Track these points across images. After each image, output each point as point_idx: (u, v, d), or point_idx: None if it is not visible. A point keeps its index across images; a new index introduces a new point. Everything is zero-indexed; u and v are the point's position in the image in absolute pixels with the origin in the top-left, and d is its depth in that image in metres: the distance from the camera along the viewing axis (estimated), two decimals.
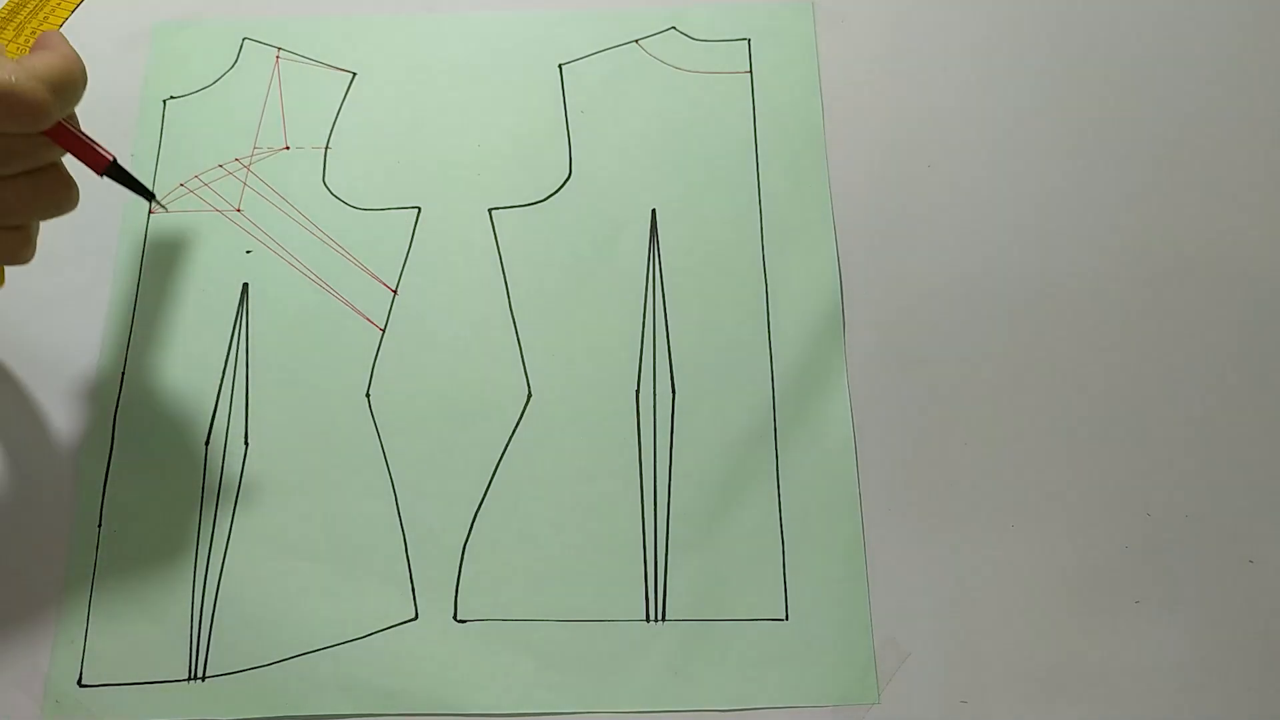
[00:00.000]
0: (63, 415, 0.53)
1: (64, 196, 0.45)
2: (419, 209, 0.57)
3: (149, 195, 0.49)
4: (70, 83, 0.42)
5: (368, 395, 0.52)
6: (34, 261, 0.55)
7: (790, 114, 0.59)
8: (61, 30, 0.52)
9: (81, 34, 0.51)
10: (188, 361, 0.53)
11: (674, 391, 0.53)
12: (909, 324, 0.54)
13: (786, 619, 0.49)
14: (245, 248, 0.56)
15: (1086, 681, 0.48)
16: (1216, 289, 0.55)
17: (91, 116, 0.59)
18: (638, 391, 0.53)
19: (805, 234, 0.56)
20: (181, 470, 0.51)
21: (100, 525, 0.50)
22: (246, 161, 0.58)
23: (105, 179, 0.46)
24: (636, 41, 0.61)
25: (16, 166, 0.43)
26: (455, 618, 0.49)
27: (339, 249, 0.56)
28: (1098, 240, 0.56)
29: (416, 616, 0.49)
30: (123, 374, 0.53)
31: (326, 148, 0.58)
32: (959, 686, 0.48)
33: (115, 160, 0.47)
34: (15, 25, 0.54)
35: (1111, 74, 0.60)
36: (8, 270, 0.56)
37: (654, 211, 0.56)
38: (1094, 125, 0.58)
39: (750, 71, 0.60)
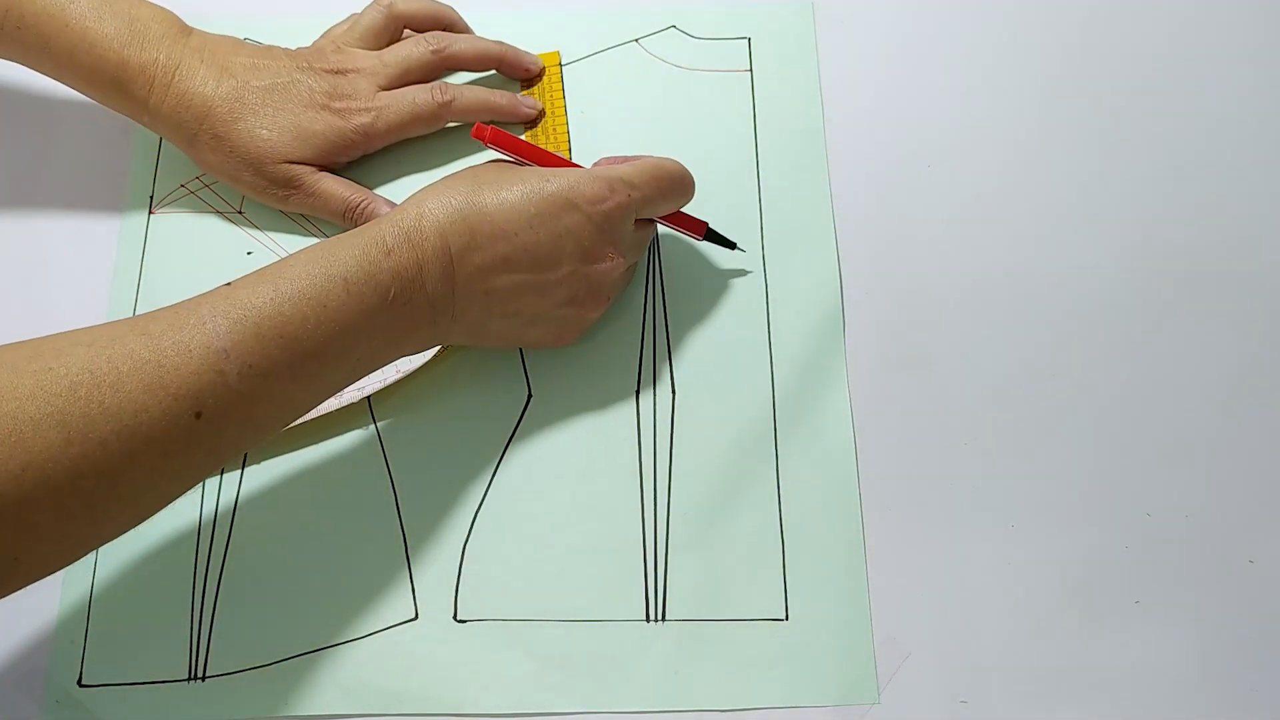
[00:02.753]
0: None
1: (632, 278, 0.55)
2: None
3: (735, 246, 0.55)
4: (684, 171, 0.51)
5: (368, 395, 0.52)
6: (34, 262, 0.56)
7: (790, 114, 0.58)
8: None
9: None
10: None
11: (674, 391, 0.53)
12: (909, 324, 0.54)
13: (786, 619, 0.49)
14: (246, 249, 0.56)
15: (1086, 681, 0.48)
16: (1216, 289, 0.55)
17: (92, 118, 0.59)
18: (638, 391, 0.53)
19: (805, 234, 0.56)
20: None
21: None
22: None
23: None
24: (637, 40, 0.61)
25: (639, 255, 0.53)
26: (455, 618, 0.49)
27: None
28: (1097, 240, 0.56)
29: (416, 616, 0.49)
30: None
31: None
32: (959, 686, 0.48)
33: (709, 225, 0.53)
34: (540, 128, 0.59)
35: (1111, 74, 0.60)
36: (6, 271, 0.56)
37: None
38: (1094, 125, 0.58)
39: (750, 70, 0.60)
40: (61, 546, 0.39)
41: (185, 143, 0.54)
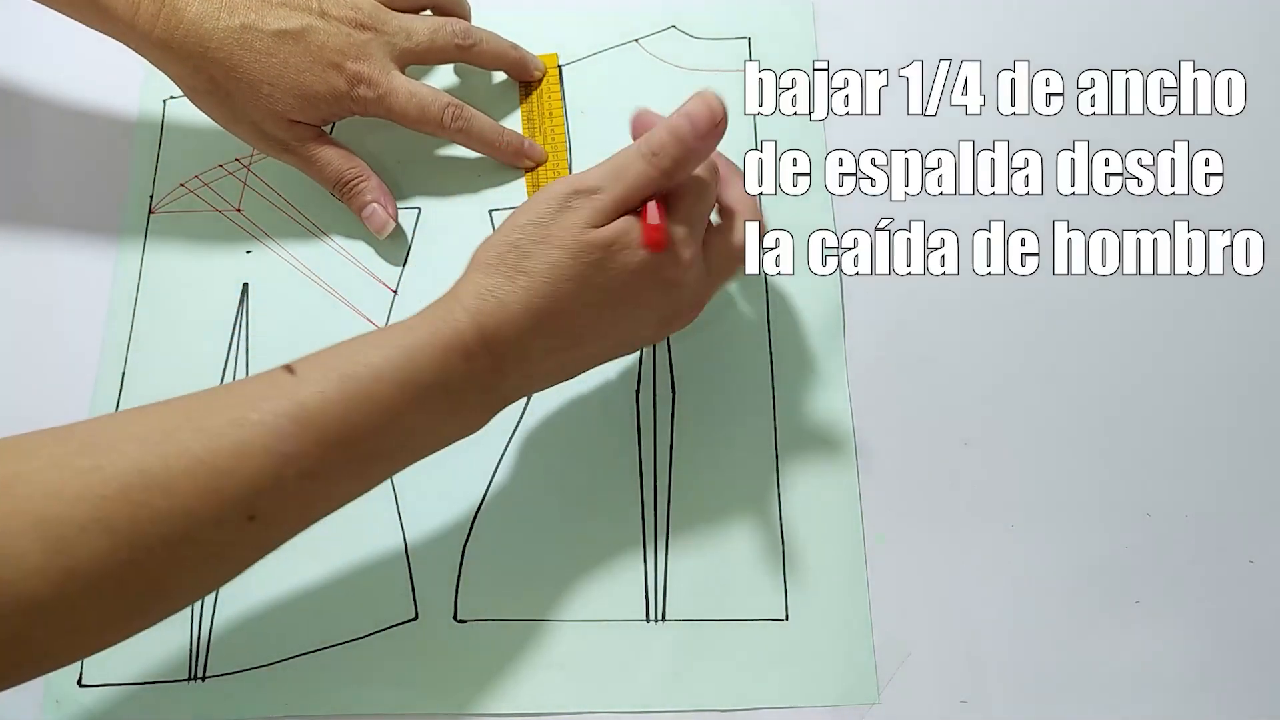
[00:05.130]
0: (63, 415, 0.52)
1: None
2: (419, 209, 0.57)
3: None
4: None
5: None
6: (34, 262, 0.56)
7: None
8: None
9: (81, 34, 0.51)
10: (188, 361, 0.53)
11: (674, 391, 0.53)
12: (909, 324, 0.54)
13: (786, 619, 0.49)
14: (245, 248, 0.56)
15: (1086, 681, 0.48)
16: (1217, 289, 0.55)
17: (92, 117, 0.59)
18: (638, 391, 0.53)
19: (805, 233, 0.56)
20: None
21: None
22: (246, 161, 0.58)
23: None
24: (637, 41, 0.61)
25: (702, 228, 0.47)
26: (455, 618, 0.49)
27: (339, 249, 0.56)
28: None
29: (416, 616, 0.49)
30: (123, 374, 0.53)
31: None
32: (959, 686, 0.48)
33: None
34: (538, 129, 0.59)
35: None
36: (6, 271, 0.56)
37: None
38: (1096, 123, 0.58)
39: None
40: (98, 641, 0.38)
41: (179, 79, 0.51)
